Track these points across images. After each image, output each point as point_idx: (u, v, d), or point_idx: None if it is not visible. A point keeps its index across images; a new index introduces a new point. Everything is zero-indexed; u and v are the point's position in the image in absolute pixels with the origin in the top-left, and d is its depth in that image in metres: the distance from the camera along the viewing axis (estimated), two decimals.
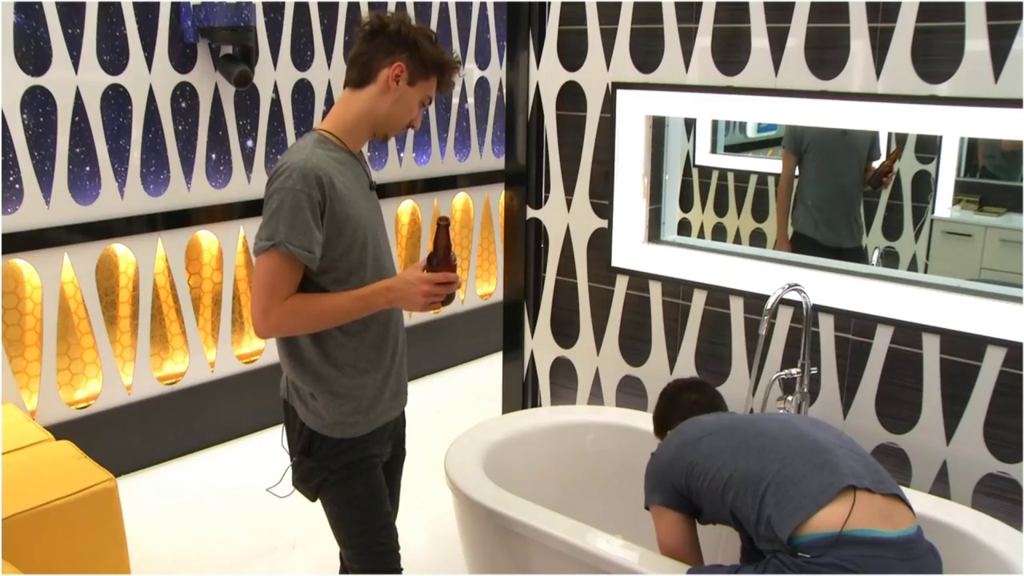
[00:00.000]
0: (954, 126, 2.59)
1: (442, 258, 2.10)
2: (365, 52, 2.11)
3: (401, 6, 4.62)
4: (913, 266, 3.39)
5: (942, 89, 2.48)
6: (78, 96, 3.57)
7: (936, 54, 2.48)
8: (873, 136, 3.26)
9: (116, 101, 3.69)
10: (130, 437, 3.92)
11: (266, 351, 4.40)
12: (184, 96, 3.89)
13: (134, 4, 3.66)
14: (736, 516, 2.11)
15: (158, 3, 3.73)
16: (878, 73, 2.57)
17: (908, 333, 2.66)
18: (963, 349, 2.57)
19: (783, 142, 3.49)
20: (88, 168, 3.65)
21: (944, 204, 3.37)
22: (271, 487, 2.30)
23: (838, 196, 3.46)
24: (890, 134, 3.31)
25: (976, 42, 2.41)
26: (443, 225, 2.09)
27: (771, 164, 3.70)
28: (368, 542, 2.25)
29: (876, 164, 3.39)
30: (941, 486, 2.66)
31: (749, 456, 2.11)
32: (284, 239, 1.97)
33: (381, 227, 2.24)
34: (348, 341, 2.14)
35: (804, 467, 2.04)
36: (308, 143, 2.08)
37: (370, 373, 2.19)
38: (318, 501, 2.27)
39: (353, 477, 2.20)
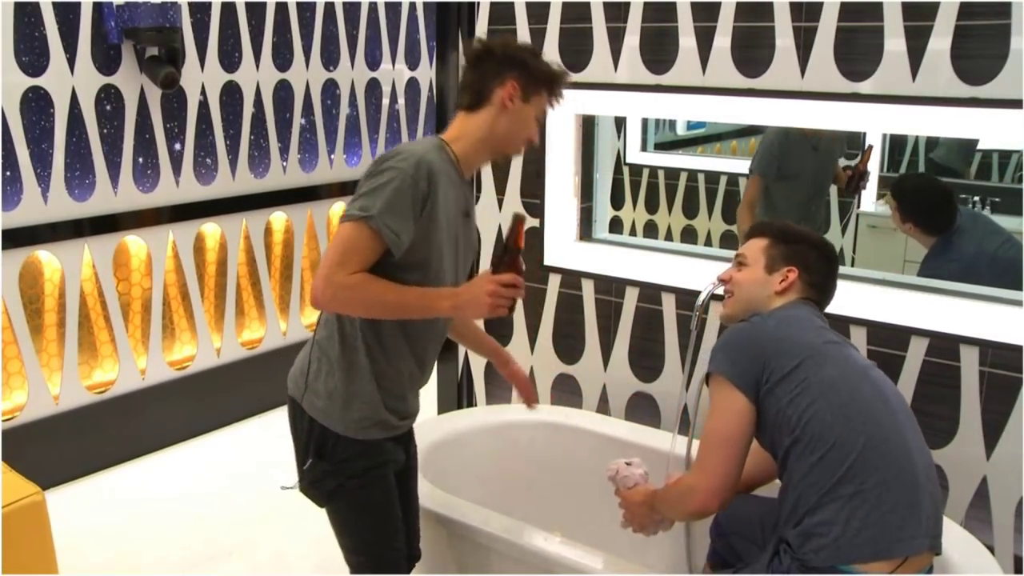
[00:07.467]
0: (876, 123, 2.66)
1: (512, 259, 2.00)
2: (476, 78, 2.12)
3: (330, 6, 4.59)
4: (840, 259, 3.45)
5: (864, 87, 2.53)
6: None
7: (858, 53, 2.53)
8: (842, 139, 3.24)
9: (37, 104, 3.60)
10: (60, 448, 3.83)
11: (198, 357, 4.33)
12: (109, 99, 3.81)
13: (53, 4, 3.57)
14: (784, 474, 1.97)
15: (79, 3, 3.64)
16: (803, 71, 2.62)
17: (835, 325, 2.70)
18: (889, 340, 2.63)
19: (753, 166, 3.40)
20: (8, 173, 3.55)
21: (869, 199, 3.44)
22: (287, 486, 2.18)
23: (804, 209, 3.46)
24: (859, 135, 3.27)
25: (895, 42, 2.47)
26: (520, 219, 2.01)
27: (701, 161, 3.75)
28: (383, 549, 2.19)
29: (842, 163, 3.38)
30: None
31: (860, 463, 1.90)
32: (378, 215, 1.92)
33: (465, 257, 2.21)
34: (395, 375, 2.14)
35: (894, 505, 1.86)
36: (429, 145, 2.05)
37: (401, 402, 2.19)
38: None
39: (372, 483, 2.15)
